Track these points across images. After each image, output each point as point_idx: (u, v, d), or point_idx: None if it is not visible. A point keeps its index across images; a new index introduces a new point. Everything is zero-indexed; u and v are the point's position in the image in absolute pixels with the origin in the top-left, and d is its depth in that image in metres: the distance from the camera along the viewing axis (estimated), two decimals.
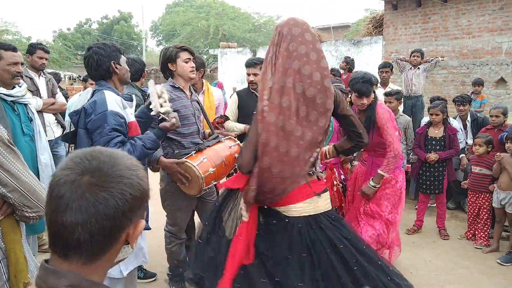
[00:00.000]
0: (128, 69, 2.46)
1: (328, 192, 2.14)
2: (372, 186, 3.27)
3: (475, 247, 4.26)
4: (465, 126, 5.40)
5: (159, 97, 2.39)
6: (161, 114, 2.36)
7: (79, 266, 0.79)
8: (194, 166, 2.65)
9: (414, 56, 6.60)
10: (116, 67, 2.34)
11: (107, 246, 0.81)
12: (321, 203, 2.05)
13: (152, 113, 2.40)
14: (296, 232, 1.95)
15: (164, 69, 3.06)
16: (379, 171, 3.22)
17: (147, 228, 2.40)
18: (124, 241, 0.84)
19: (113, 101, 2.23)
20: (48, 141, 3.15)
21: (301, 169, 1.98)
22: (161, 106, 2.37)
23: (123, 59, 2.40)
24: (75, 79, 17.73)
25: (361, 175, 3.57)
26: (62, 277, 0.76)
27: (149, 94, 2.49)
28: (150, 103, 2.42)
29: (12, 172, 1.54)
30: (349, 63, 7.54)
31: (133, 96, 2.53)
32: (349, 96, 4.70)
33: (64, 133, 2.39)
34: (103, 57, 2.30)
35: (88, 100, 2.34)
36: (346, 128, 2.28)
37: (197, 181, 2.67)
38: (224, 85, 12.45)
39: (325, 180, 2.19)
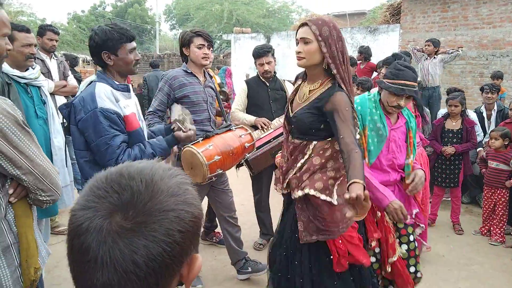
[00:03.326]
0: (133, 59, 2.13)
1: None
2: None
3: (490, 243, 4.18)
4: (489, 117, 5.24)
5: (183, 115, 2.35)
6: (178, 124, 2.27)
7: None
8: (199, 153, 2.62)
9: (426, 45, 6.46)
10: (109, 58, 2.08)
11: None
12: None
13: (171, 124, 2.34)
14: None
15: (181, 53, 3.04)
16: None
17: None
18: (175, 284, 0.65)
19: (102, 95, 2.01)
20: (60, 123, 3.15)
21: None
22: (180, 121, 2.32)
23: (124, 49, 2.09)
24: (89, 62, 17.78)
25: None
26: None
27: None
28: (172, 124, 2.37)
29: (26, 155, 1.52)
30: (363, 53, 7.13)
31: (130, 86, 2.32)
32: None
33: (65, 127, 2.26)
34: (96, 45, 2.06)
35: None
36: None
37: (201, 168, 2.63)
38: (236, 71, 12.37)
39: None
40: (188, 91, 2.91)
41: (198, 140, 2.74)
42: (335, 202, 2.02)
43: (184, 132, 2.25)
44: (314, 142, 2.08)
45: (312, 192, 2.03)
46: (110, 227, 0.58)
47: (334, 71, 2.00)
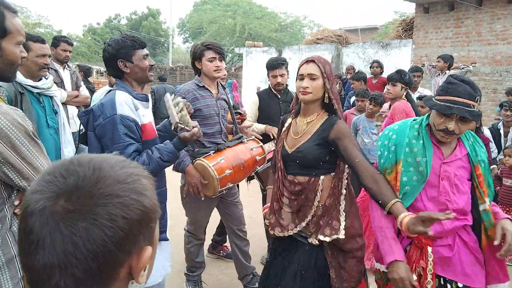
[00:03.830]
0: (147, 65, 2.18)
1: None
2: None
3: (507, 264, 4.05)
4: (506, 134, 5.16)
5: (179, 110, 2.24)
6: (180, 125, 2.21)
7: None
8: (210, 167, 2.60)
9: (437, 61, 6.50)
10: (125, 65, 2.12)
11: None
12: None
13: (172, 127, 2.26)
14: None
15: (194, 66, 3.05)
16: None
17: (165, 239, 2.23)
18: (126, 277, 0.65)
19: (123, 103, 2.03)
20: (72, 133, 3.17)
21: None
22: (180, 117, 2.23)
23: (138, 55, 2.14)
24: (102, 73, 18.04)
25: None
26: None
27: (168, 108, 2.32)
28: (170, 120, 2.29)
29: (34, 166, 1.51)
30: (382, 67, 7.23)
31: (149, 96, 2.33)
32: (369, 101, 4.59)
33: (81, 133, 2.25)
34: (110, 56, 2.12)
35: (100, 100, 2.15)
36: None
37: (212, 182, 2.62)
38: (247, 85, 12.41)
39: None
40: (201, 104, 2.90)
41: (209, 153, 2.73)
42: (342, 237, 2.01)
43: (188, 131, 2.21)
44: (322, 177, 2.08)
45: (327, 239, 2.02)
46: (53, 209, 0.59)
47: (336, 106, 2.12)
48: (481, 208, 1.88)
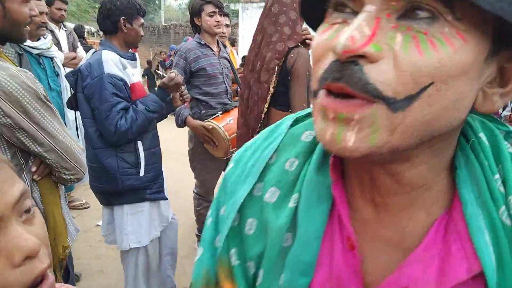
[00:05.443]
0: (142, 34, 2.22)
1: None
2: None
3: None
4: None
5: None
6: (158, 72, 2.22)
7: None
8: (220, 128, 2.59)
9: None
10: (124, 25, 2.11)
11: None
12: None
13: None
14: None
15: (192, 24, 2.93)
16: None
17: (163, 198, 2.23)
18: None
19: (110, 61, 2.00)
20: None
21: None
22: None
23: (139, 21, 2.17)
24: (93, 33, 17.52)
25: None
26: None
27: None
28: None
29: (48, 131, 1.45)
30: None
31: (136, 55, 2.31)
32: None
33: (68, 99, 2.19)
34: (116, 9, 2.08)
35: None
36: None
37: (223, 143, 2.61)
38: (244, 43, 12.13)
39: None
40: (204, 63, 2.82)
41: (217, 115, 2.71)
42: None
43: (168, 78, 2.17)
44: None
45: None
46: None
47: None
48: None
